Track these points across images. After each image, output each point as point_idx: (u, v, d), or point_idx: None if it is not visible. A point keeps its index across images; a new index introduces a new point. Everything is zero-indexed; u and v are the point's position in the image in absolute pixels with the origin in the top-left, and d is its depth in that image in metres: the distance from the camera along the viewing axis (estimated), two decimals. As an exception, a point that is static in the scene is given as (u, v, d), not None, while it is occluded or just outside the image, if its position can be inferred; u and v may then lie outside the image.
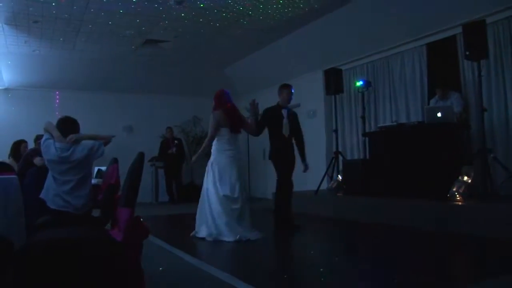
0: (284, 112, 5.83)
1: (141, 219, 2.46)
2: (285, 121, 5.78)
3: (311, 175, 8.78)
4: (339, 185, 7.41)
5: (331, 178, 7.83)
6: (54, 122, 3.70)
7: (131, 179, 2.48)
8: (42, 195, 3.40)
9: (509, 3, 5.86)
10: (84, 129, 3.80)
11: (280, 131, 5.77)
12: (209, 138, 5.46)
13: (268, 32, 8.48)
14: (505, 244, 4.28)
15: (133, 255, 2.40)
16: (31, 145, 6.67)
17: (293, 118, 5.92)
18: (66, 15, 7.22)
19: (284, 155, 5.76)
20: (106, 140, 3.60)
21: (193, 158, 5.81)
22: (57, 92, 10.36)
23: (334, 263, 4.03)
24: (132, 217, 2.38)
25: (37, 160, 4.99)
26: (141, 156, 2.53)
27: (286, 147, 5.79)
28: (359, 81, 7.77)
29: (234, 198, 5.15)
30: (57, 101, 10.35)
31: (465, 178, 5.39)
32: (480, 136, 5.72)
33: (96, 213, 3.54)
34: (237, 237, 4.92)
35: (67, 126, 3.57)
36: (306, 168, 5.90)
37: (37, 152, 5.34)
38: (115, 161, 3.39)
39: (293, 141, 5.91)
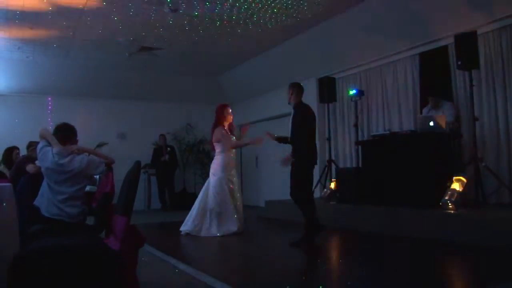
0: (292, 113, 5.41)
1: (137, 228, 2.46)
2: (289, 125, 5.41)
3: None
4: (332, 193, 7.42)
5: (324, 186, 7.84)
6: (46, 127, 3.68)
7: (128, 188, 2.47)
8: (36, 202, 3.38)
9: (499, 16, 5.95)
10: (78, 136, 3.77)
11: None
12: None
13: (261, 40, 8.52)
14: (498, 252, 4.31)
15: (128, 263, 2.39)
16: (23, 152, 6.62)
17: (293, 119, 5.33)
18: (60, 22, 7.21)
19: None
20: (108, 162, 3.51)
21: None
22: (50, 98, 10.31)
23: (334, 271, 4.04)
24: (128, 225, 2.37)
25: (29, 167, 4.94)
26: (138, 165, 2.53)
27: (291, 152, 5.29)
28: (352, 90, 7.81)
29: None
30: (50, 107, 10.29)
31: (457, 186, 5.42)
32: (472, 145, 5.79)
33: (90, 220, 3.52)
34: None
35: (64, 133, 3.54)
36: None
37: (29, 159, 5.31)
38: (110, 169, 3.38)
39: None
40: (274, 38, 8.45)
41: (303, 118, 5.24)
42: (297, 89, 5.38)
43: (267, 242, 5.91)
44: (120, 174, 3.68)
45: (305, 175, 5.22)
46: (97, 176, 4.11)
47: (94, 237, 2.88)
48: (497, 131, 6.11)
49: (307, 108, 5.35)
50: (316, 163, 5.38)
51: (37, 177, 3.78)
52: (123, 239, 2.33)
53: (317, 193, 7.68)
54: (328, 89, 8.08)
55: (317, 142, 9.12)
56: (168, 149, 10.77)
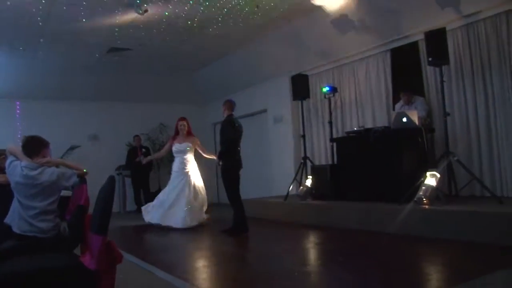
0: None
1: (114, 245, 2.39)
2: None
3: (279, 181, 8.82)
4: (308, 190, 7.45)
5: (299, 183, 7.86)
6: (15, 132, 3.56)
7: (103, 206, 2.40)
8: (7, 220, 3.25)
9: (466, 12, 6.06)
10: (49, 140, 3.62)
11: None
12: None
13: (234, 38, 8.46)
14: (474, 245, 4.40)
15: (106, 282, 2.33)
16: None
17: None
18: (27, 23, 6.98)
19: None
20: (80, 173, 3.39)
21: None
22: (18, 103, 10.00)
23: (317, 270, 4.04)
24: (105, 244, 2.31)
25: (-4, 178, 4.76)
26: (111, 180, 2.46)
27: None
28: (325, 87, 7.83)
29: None
30: (18, 111, 9.99)
31: (432, 181, 5.50)
32: (444, 139, 5.89)
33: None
34: None
35: (33, 146, 3.41)
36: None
37: (-2, 169, 5.13)
38: (83, 181, 3.28)
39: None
40: (246, 37, 8.40)
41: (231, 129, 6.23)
42: (228, 105, 6.41)
43: (246, 242, 5.88)
44: (93, 176, 3.59)
45: (233, 178, 6.22)
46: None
47: (70, 255, 2.79)
48: (467, 124, 6.25)
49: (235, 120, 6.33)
50: (241, 167, 6.31)
51: (6, 188, 3.64)
52: (99, 258, 2.27)
53: (293, 191, 7.71)
54: (301, 86, 8.08)
55: (292, 139, 9.22)
56: (143, 150, 10.62)
